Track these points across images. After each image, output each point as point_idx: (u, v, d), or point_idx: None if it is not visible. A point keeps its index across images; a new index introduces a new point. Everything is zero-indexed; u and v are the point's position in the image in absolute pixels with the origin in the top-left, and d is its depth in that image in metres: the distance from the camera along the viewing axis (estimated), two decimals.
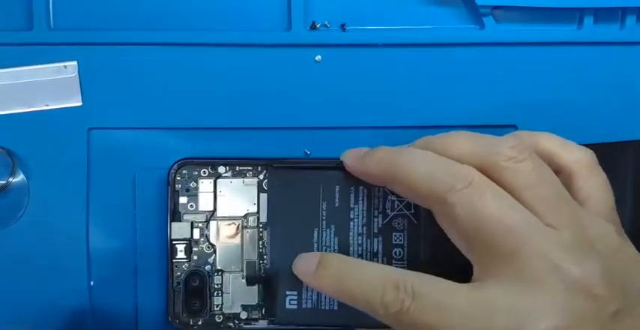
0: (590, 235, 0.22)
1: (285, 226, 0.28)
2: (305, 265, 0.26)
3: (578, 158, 0.25)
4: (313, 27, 0.31)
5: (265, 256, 0.29)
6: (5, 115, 0.31)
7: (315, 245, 0.28)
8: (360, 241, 0.28)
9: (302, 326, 0.28)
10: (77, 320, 0.31)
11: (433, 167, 0.23)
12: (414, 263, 0.27)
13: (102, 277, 0.31)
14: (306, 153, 0.31)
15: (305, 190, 0.28)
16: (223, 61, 0.31)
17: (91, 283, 0.31)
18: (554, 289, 0.21)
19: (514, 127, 0.31)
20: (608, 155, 0.27)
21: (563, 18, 0.31)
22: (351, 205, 0.28)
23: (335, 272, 0.25)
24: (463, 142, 0.24)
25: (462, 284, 0.23)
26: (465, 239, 0.23)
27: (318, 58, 0.31)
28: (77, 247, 0.31)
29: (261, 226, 0.30)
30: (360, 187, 0.28)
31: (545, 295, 0.21)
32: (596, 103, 0.32)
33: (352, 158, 0.26)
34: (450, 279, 0.23)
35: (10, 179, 0.30)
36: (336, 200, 0.28)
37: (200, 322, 0.29)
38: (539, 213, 0.22)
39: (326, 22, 0.31)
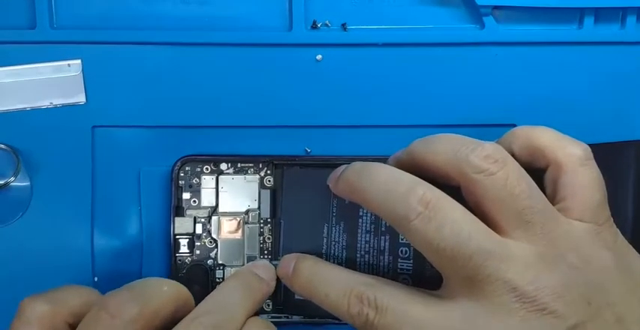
0: (560, 247, 0.22)
1: (297, 220, 0.28)
2: (283, 269, 0.26)
3: (569, 153, 0.23)
4: (314, 26, 0.31)
5: (266, 251, 0.30)
6: (9, 112, 0.31)
7: (325, 240, 0.28)
8: (367, 238, 0.28)
9: (309, 318, 0.29)
10: None
11: (389, 191, 0.23)
12: (419, 262, 0.27)
13: (106, 273, 0.31)
14: (307, 151, 0.31)
15: (317, 187, 0.28)
16: (225, 61, 0.31)
17: (95, 279, 0.31)
18: (509, 309, 0.21)
19: (514, 127, 0.31)
20: (609, 155, 0.26)
21: (564, 18, 0.32)
22: None
23: (305, 280, 0.25)
24: (441, 148, 0.23)
25: (429, 297, 0.23)
26: (428, 257, 0.23)
27: (318, 57, 0.31)
28: (81, 244, 0.31)
29: (262, 221, 0.30)
30: None
31: (500, 316, 0.21)
32: (597, 103, 0.32)
33: (330, 179, 0.26)
34: None
35: (14, 177, 0.30)
36: None
37: None
38: (504, 229, 0.22)
39: (327, 22, 0.31)
